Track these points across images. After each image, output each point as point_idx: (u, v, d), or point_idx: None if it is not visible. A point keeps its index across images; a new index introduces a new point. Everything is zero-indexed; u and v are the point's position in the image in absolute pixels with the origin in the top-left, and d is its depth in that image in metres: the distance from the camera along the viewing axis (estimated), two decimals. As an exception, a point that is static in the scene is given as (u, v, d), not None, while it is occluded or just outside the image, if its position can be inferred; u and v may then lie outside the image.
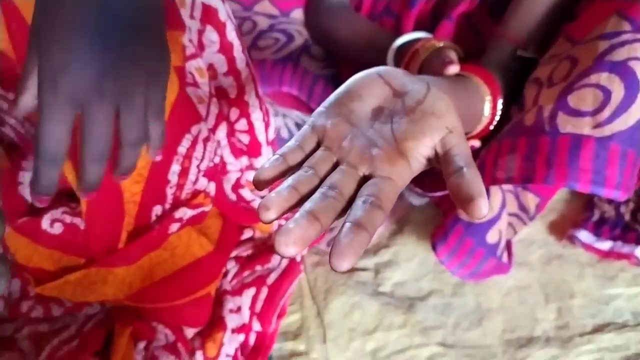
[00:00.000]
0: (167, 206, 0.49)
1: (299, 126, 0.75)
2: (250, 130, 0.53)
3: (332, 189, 0.28)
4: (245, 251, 0.57)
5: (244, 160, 0.54)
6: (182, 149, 0.48)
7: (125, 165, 0.40)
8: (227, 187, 0.55)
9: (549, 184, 0.41)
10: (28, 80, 0.37)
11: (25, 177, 0.49)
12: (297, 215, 0.26)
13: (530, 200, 0.53)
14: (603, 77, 0.42)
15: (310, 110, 0.73)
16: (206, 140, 0.50)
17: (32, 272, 0.45)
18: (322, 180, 0.30)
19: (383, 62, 0.59)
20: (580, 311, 0.60)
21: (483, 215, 0.26)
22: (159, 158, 0.43)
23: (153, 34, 0.39)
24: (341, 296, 0.60)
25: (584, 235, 0.65)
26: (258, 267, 0.55)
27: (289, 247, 0.25)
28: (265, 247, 0.58)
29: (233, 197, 0.56)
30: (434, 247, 0.57)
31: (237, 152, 0.54)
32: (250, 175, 0.55)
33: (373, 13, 0.68)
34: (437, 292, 0.61)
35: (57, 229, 0.46)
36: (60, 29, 0.35)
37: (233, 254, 0.56)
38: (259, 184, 0.29)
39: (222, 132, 0.52)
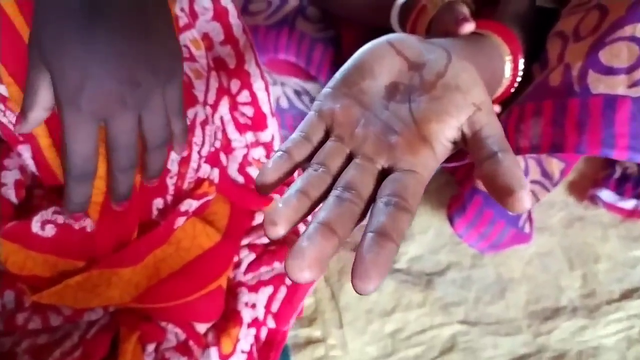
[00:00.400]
0: (170, 198, 0.45)
1: (298, 94, 0.71)
2: (254, 101, 0.50)
3: (347, 190, 0.24)
4: (258, 238, 0.53)
5: (249, 136, 0.51)
6: None
7: (153, 168, 0.39)
8: (233, 168, 0.51)
9: (581, 152, 0.37)
10: (36, 95, 0.35)
11: (9, 177, 0.45)
12: (310, 229, 0.22)
13: (555, 166, 0.49)
14: (639, 29, 0.37)
15: (309, 77, 0.68)
16: (204, 123, 0.46)
17: (26, 280, 0.42)
18: (335, 178, 0.26)
19: (386, 22, 0.53)
20: (606, 276, 0.57)
21: (525, 210, 0.23)
22: (185, 153, 0.41)
23: (163, 31, 0.36)
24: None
25: (606, 194, 0.61)
26: (276, 264, 0.51)
27: (304, 272, 0.21)
28: (283, 240, 0.55)
29: (240, 179, 0.52)
30: (450, 220, 0.54)
31: (241, 128, 0.50)
32: (257, 153, 0.51)
33: (371, -33, 0.62)
34: (456, 265, 0.58)
35: (49, 231, 0.42)
36: (69, 43, 0.32)
37: (246, 241, 0.52)
38: (262, 189, 0.25)
39: (224, 107, 0.49)
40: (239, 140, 0.50)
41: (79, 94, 0.33)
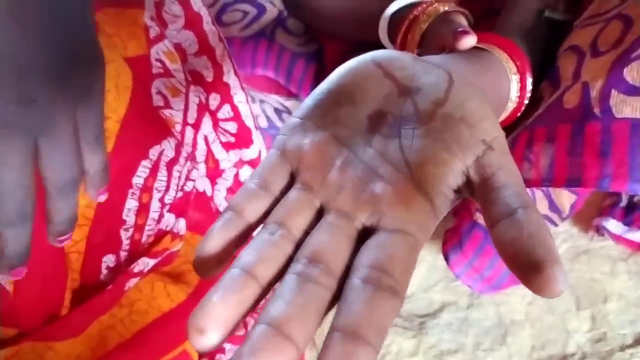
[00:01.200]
0: (123, 254, 0.38)
1: (278, 112, 0.65)
2: (236, 116, 0.44)
3: (314, 264, 0.18)
4: None
5: (232, 155, 0.44)
6: (138, 179, 0.37)
7: (58, 220, 0.29)
8: (221, 196, 0.44)
9: (604, 187, 0.32)
10: None
11: None
12: (255, 334, 0.16)
13: (565, 199, 0.44)
14: (670, 42, 0.32)
15: (291, 93, 0.62)
16: (171, 163, 0.39)
17: None
18: (299, 244, 0.19)
19: (374, 36, 0.48)
20: (617, 318, 0.51)
21: (559, 294, 0.16)
22: (102, 198, 0.33)
23: (76, 28, 0.28)
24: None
25: (613, 224, 0.56)
26: None
27: None
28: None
29: None
30: (446, 258, 0.48)
31: (225, 147, 0.44)
32: (244, 173, 0.45)
33: (357, -25, 0.56)
34: (451, 305, 0.52)
35: None
36: None
37: None
38: (202, 268, 0.18)
39: (207, 125, 0.43)
40: (227, 160, 0.44)
41: None
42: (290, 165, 0.22)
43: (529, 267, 0.17)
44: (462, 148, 0.21)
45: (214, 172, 0.44)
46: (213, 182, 0.45)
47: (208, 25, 0.42)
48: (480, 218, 0.45)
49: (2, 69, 0.25)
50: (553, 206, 0.44)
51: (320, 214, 0.20)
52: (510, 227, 0.18)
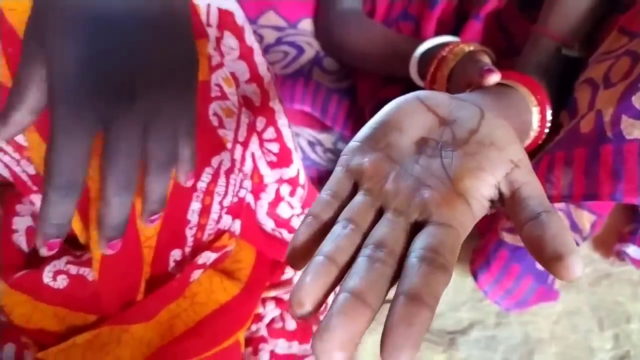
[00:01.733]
0: (188, 249, 0.42)
1: (311, 145, 0.70)
2: (279, 137, 0.48)
3: (379, 248, 0.22)
4: (286, 293, 0.50)
5: (275, 173, 0.49)
6: (201, 184, 0.42)
7: (154, 197, 0.33)
8: (263, 211, 0.49)
9: (617, 200, 0.36)
10: (24, 94, 0.30)
11: (20, 223, 0.43)
12: (339, 301, 0.20)
13: (586, 218, 0.47)
14: (673, 73, 0.36)
15: (323, 128, 0.67)
16: (229, 172, 0.44)
17: (31, 334, 0.39)
18: (365, 235, 0.24)
19: (404, 73, 0.53)
20: (641, 337, 0.53)
21: (577, 278, 0.21)
22: (190, 183, 0.38)
23: (184, 38, 0.34)
24: (372, 335, 0.54)
25: (633, 250, 0.59)
26: (295, 345, 0.48)
27: (335, 355, 0.19)
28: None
29: (270, 223, 0.50)
30: (474, 276, 0.51)
31: (268, 165, 0.49)
32: (283, 190, 0.50)
33: (389, 18, 0.62)
34: (479, 323, 0.55)
35: (61, 282, 0.40)
36: (80, 23, 0.28)
37: (273, 293, 0.49)
38: (293, 260, 0.24)
39: (255, 143, 0.48)
40: (270, 176, 0.49)
41: (79, 82, 0.28)
42: (353, 178, 0.27)
43: (552, 258, 0.21)
44: (493, 166, 0.25)
45: (258, 187, 0.49)
46: (257, 198, 0.49)
47: (259, 57, 0.47)
48: (506, 237, 0.49)
49: (138, 53, 0.30)
50: (574, 226, 0.48)
51: (380, 213, 0.25)
52: (535, 227, 0.22)
